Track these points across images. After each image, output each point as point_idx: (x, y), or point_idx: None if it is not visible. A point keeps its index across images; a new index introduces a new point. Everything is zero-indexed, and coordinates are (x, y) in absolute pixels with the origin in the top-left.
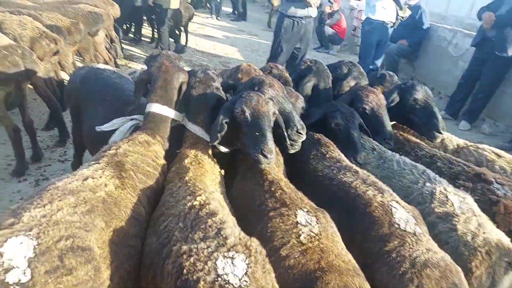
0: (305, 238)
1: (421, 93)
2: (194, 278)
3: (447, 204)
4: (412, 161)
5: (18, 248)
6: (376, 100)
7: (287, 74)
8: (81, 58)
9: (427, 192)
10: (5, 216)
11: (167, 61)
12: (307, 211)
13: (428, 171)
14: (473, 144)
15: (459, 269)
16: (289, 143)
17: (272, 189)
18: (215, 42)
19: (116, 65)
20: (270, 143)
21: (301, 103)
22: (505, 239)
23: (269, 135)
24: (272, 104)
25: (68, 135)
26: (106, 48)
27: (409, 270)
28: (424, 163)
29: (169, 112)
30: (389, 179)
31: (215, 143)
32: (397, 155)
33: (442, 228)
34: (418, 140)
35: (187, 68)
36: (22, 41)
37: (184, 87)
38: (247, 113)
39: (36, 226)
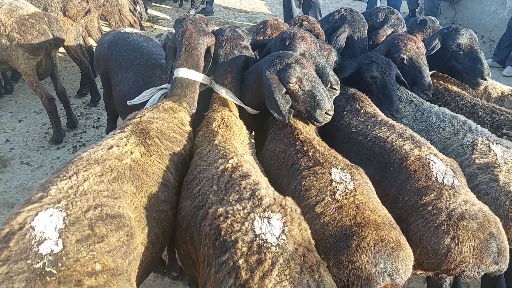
0: (340, 195)
1: (465, 38)
2: (232, 238)
3: (489, 154)
4: (452, 112)
5: (48, 220)
6: (415, 48)
7: (319, 26)
8: (106, 22)
9: (467, 143)
10: (34, 190)
11: (191, 25)
12: (341, 169)
13: (469, 121)
14: None
15: (498, 219)
16: None
17: (305, 148)
18: None
19: (142, 28)
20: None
21: (334, 56)
22: None
23: (325, 94)
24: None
25: (99, 95)
26: (130, 10)
27: (445, 222)
28: (465, 113)
29: (196, 76)
30: (427, 132)
31: (244, 106)
32: (436, 107)
33: (482, 179)
34: (459, 90)
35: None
36: (53, 2)
37: (212, 50)
38: (304, 82)
39: (64, 198)
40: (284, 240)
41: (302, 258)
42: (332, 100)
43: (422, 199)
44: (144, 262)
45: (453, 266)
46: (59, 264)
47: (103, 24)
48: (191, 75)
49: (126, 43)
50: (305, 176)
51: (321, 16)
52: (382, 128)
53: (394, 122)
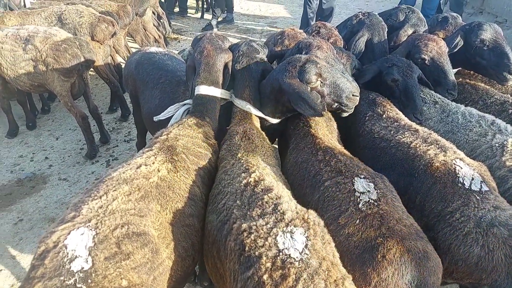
0: (363, 205)
1: (488, 32)
2: (256, 254)
3: None
4: (480, 112)
5: (80, 239)
6: (437, 48)
7: (336, 32)
8: (132, 39)
9: (497, 145)
10: (68, 210)
11: (209, 44)
12: (364, 178)
13: (498, 121)
14: None
15: None
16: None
17: (327, 158)
18: (260, 2)
19: (166, 42)
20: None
21: (353, 62)
22: None
23: (346, 78)
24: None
25: (128, 111)
26: (154, 25)
27: (474, 230)
28: (493, 111)
29: (215, 92)
30: (454, 134)
31: (265, 116)
32: (462, 107)
33: None
34: (487, 87)
35: (235, 39)
36: (82, 28)
37: (230, 66)
38: (323, 75)
39: (94, 217)
40: (308, 254)
41: (326, 272)
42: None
43: (449, 206)
44: (175, 275)
45: (484, 276)
46: (89, 281)
47: (129, 41)
48: (211, 91)
49: (151, 63)
50: (328, 187)
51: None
52: (406, 133)
53: (417, 126)
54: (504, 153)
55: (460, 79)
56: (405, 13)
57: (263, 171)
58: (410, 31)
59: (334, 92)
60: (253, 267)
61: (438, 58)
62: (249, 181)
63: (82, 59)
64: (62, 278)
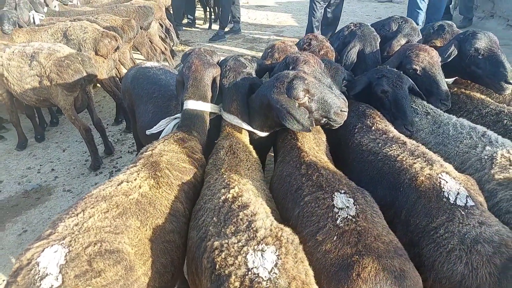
0: (341, 221)
1: (483, 41)
2: (226, 273)
3: (509, 169)
4: (471, 123)
5: (52, 257)
6: (428, 58)
7: (327, 44)
8: (138, 52)
9: (486, 157)
10: (46, 227)
11: (197, 59)
12: (344, 193)
13: (489, 132)
14: None
15: None
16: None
17: (309, 172)
18: (267, 11)
19: (173, 53)
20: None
21: (342, 74)
22: None
23: (333, 94)
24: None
25: None
26: (161, 38)
27: (458, 246)
28: (488, 121)
29: (204, 106)
30: (445, 145)
31: (253, 130)
32: (454, 118)
33: (503, 195)
34: (482, 96)
35: (241, 49)
36: (86, 43)
37: (218, 80)
38: (311, 91)
39: (69, 235)
40: (276, 274)
41: None
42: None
43: (434, 221)
44: None
45: None
46: None
47: (135, 53)
48: (199, 106)
49: (146, 77)
50: (307, 202)
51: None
52: (393, 145)
53: (406, 139)
54: (493, 166)
55: (456, 89)
56: (398, 23)
57: (244, 186)
58: (403, 41)
59: (322, 107)
60: (222, 286)
61: (430, 68)
62: (227, 197)
63: (84, 74)
64: None
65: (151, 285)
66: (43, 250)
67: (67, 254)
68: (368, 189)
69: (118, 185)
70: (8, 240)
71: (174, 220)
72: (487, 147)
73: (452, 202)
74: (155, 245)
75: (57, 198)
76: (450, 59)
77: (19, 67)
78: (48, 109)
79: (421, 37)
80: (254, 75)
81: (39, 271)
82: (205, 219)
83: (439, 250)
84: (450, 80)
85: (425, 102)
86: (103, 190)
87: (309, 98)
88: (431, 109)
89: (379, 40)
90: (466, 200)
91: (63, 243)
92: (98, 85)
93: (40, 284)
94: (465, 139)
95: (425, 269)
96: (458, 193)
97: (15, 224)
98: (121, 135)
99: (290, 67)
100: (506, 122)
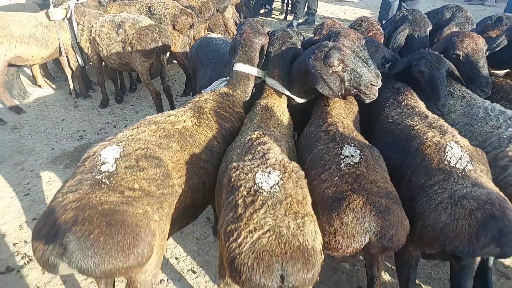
0: (344, 166)
1: None
2: (238, 184)
3: None
4: (503, 108)
5: (111, 152)
6: (473, 44)
7: (378, 27)
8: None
9: (505, 136)
10: (110, 135)
11: (249, 28)
12: (353, 146)
13: None
14: None
15: (508, 205)
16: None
17: (329, 129)
18: (346, 6)
19: None
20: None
21: (381, 53)
22: None
23: (367, 68)
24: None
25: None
26: (235, 23)
27: (446, 200)
28: None
29: (251, 70)
30: (471, 126)
31: (291, 95)
32: (488, 102)
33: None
34: None
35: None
36: (166, 18)
37: (265, 48)
38: (345, 61)
39: (124, 141)
40: (276, 189)
41: (289, 205)
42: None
43: (431, 179)
44: (184, 201)
45: (448, 242)
46: (111, 179)
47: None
48: (246, 69)
49: (208, 45)
50: (320, 150)
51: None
52: (415, 118)
53: (429, 114)
54: (510, 144)
55: (501, 79)
56: (452, 11)
57: (267, 131)
58: (454, 29)
59: (354, 78)
60: (233, 194)
61: (472, 55)
62: (252, 137)
63: (160, 43)
64: (93, 174)
65: (183, 196)
66: (105, 147)
67: (122, 152)
68: (383, 153)
69: (167, 117)
70: None
71: (209, 154)
72: (510, 128)
73: (452, 165)
74: (190, 168)
75: None
76: (498, 49)
77: (108, 33)
78: (129, 77)
79: (474, 27)
80: (299, 47)
81: (101, 160)
82: (232, 153)
83: (430, 203)
84: (502, 72)
85: (464, 87)
86: (155, 117)
87: (342, 67)
88: (467, 93)
89: (431, 27)
90: (466, 165)
91: (119, 144)
92: (174, 61)
93: (101, 168)
94: (491, 120)
95: (416, 219)
96: (460, 158)
97: None
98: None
99: (332, 40)
100: None
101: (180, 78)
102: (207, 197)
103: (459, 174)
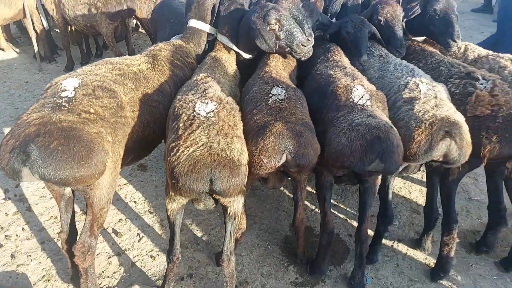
0: (272, 102)
1: (441, 3)
2: (180, 112)
3: (415, 91)
4: (409, 64)
5: (71, 82)
6: (392, 12)
7: None
8: None
9: (403, 84)
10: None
11: None
12: (281, 87)
13: (417, 69)
14: (495, 54)
15: (391, 130)
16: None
17: (264, 75)
18: None
19: None
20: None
21: (316, 16)
22: (453, 116)
23: (299, 30)
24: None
25: None
26: None
27: (346, 127)
28: (430, 68)
29: (203, 26)
30: (382, 78)
31: (239, 50)
32: (398, 60)
33: (404, 109)
34: (434, 50)
35: None
36: None
37: (216, 7)
38: (281, 21)
39: (83, 74)
40: (211, 115)
41: (221, 127)
42: (308, 52)
43: (338, 113)
44: (135, 134)
45: (345, 159)
46: (70, 103)
47: None
48: (199, 25)
49: (168, 6)
50: (254, 91)
51: None
52: (336, 69)
53: (348, 66)
54: (405, 89)
55: (415, 43)
56: None
57: (211, 74)
58: None
59: (288, 37)
60: (176, 120)
61: (390, 20)
62: (197, 78)
63: (125, 7)
64: (55, 99)
65: (136, 129)
66: (66, 79)
67: (80, 82)
68: (310, 97)
69: (124, 59)
70: None
71: (161, 95)
72: (408, 78)
73: (355, 102)
74: (143, 105)
75: None
76: (412, 16)
77: None
78: (95, 42)
79: None
80: (246, 8)
81: (61, 88)
82: (179, 92)
83: (335, 131)
84: (421, 39)
85: (383, 48)
86: (112, 59)
87: (279, 26)
88: (385, 53)
89: None
90: (366, 101)
91: (79, 76)
92: (141, 30)
93: (61, 94)
94: (397, 72)
95: (326, 146)
96: (362, 97)
97: None
98: None
99: (273, 1)
100: (442, 68)
101: (148, 46)
102: (157, 134)
103: (359, 108)
